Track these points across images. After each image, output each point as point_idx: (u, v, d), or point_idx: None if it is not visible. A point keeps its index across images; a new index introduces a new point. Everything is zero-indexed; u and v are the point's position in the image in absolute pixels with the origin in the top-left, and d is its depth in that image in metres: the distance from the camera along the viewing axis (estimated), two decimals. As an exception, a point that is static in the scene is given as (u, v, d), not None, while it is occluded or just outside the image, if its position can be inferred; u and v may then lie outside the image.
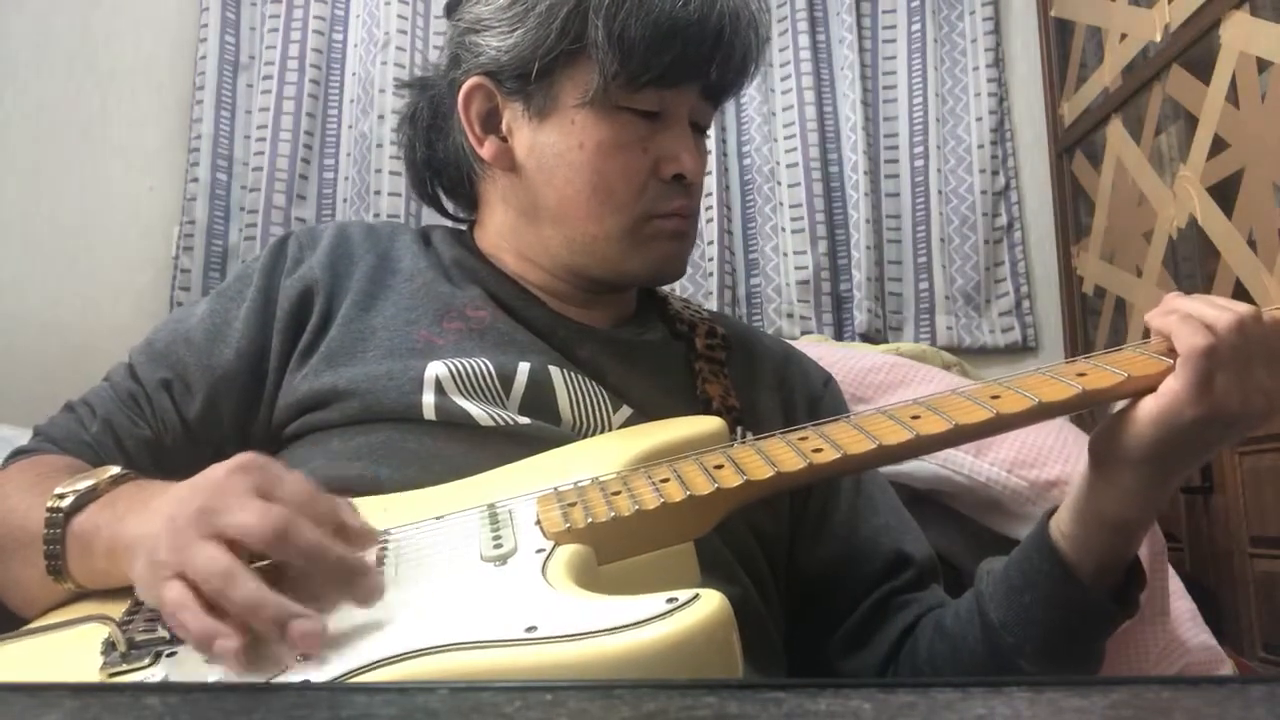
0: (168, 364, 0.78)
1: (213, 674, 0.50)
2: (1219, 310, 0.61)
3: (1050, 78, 2.61)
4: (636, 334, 0.86)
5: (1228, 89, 1.78)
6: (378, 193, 2.49)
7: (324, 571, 0.51)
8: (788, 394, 0.87)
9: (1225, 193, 1.80)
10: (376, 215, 2.48)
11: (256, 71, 2.56)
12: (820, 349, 1.19)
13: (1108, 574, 0.66)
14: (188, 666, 0.51)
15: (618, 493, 0.61)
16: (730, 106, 2.56)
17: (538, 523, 0.59)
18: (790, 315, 2.48)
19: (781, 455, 0.61)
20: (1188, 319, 0.61)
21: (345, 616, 0.51)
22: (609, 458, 0.66)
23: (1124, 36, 2.22)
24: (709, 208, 2.49)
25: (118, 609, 0.58)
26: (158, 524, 0.54)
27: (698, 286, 2.47)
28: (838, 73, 2.60)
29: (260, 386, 0.78)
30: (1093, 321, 2.43)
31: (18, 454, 0.76)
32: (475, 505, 0.63)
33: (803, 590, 0.82)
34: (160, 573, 0.51)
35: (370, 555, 0.57)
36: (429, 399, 0.73)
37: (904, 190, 2.58)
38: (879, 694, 0.30)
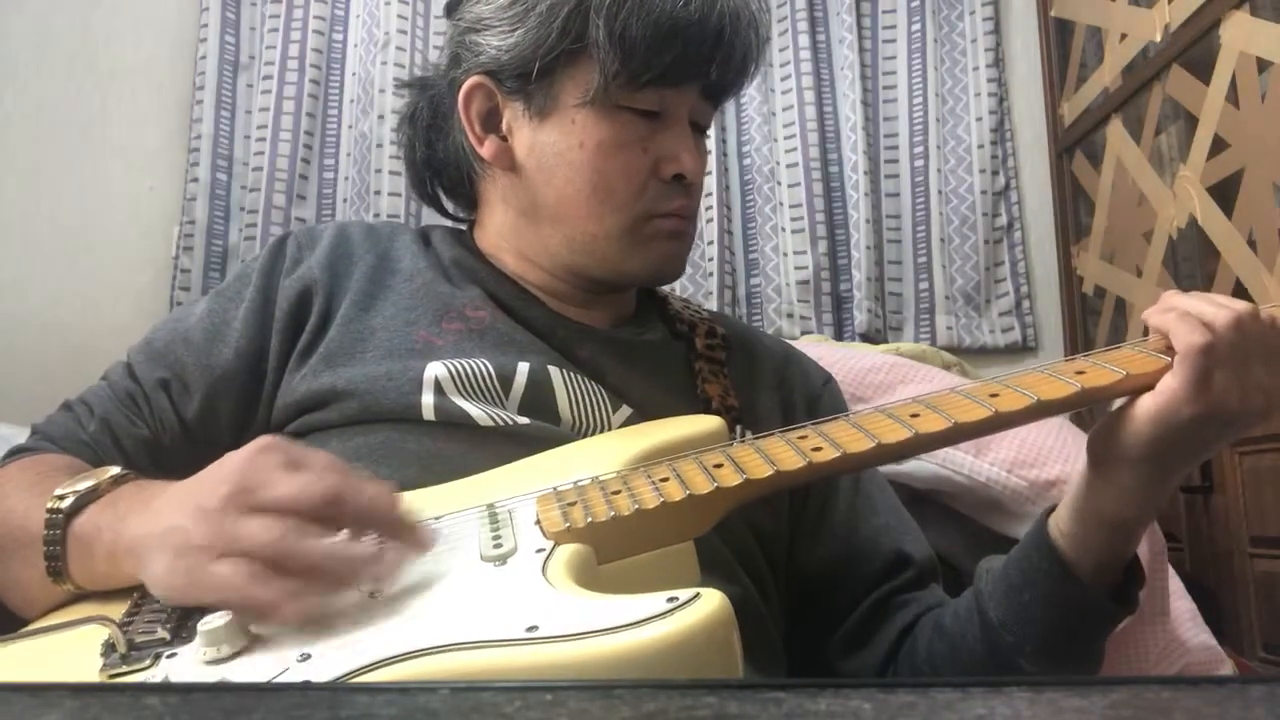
0: (166, 364, 0.78)
1: (213, 675, 0.50)
2: (1217, 308, 0.61)
3: (1050, 78, 2.61)
4: (636, 334, 0.86)
5: (1228, 89, 1.78)
6: (378, 193, 2.50)
7: (377, 526, 0.55)
8: (787, 394, 0.87)
9: (1225, 193, 1.80)
10: (376, 215, 2.48)
11: (256, 71, 2.56)
12: (820, 349, 1.19)
13: (1107, 572, 0.66)
14: (188, 668, 0.51)
15: (617, 492, 0.61)
16: (730, 106, 2.56)
17: (537, 522, 0.59)
18: (790, 315, 2.48)
19: (781, 454, 0.61)
20: (1186, 316, 0.61)
21: (345, 616, 0.51)
22: (609, 457, 0.66)
23: (1124, 36, 2.22)
24: (709, 208, 2.49)
25: (118, 610, 0.58)
26: (175, 517, 0.55)
27: (698, 286, 2.47)
28: (838, 73, 2.60)
29: (259, 386, 0.78)
30: (1093, 321, 2.43)
31: (16, 452, 0.76)
32: (475, 505, 0.63)
33: (802, 590, 0.82)
34: (200, 558, 0.52)
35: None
36: (428, 399, 0.73)
37: (904, 190, 2.58)
38: (879, 694, 0.29)
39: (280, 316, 0.79)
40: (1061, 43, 2.56)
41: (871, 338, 2.45)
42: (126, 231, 2.48)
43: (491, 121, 0.82)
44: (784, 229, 2.52)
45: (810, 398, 0.88)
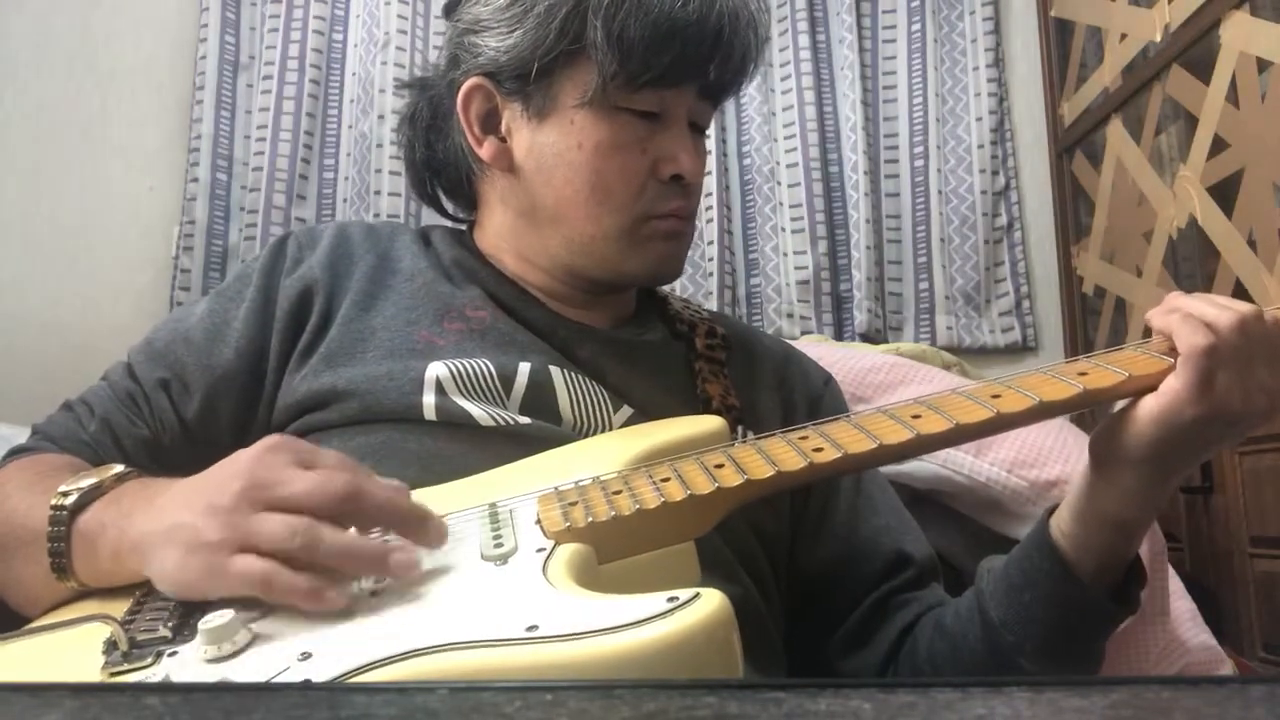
0: (166, 363, 0.78)
1: (214, 674, 0.50)
2: (1220, 310, 0.61)
3: (1050, 78, 2.61)
4: (636, 334, 0.86)
5: (1228, 89, 1.78)
6: (378, 193, 2.50)
7: (394, 523, 0.56)
8: (788, 394, 0.87)
9: (1225, 193, 1.80)
10: (376, 215, 2.48)
11: (256, 71, 2.56)
12: (820, 349, 1.19)
13: (1108, 573, 0.66)
14: (189, 666, 0.51)
15: (618, 492, 0.61)
16: (730, 106, 2.56)
17: (538, 522, 0.59)
18: (790, 315, 2.48)
19: (782, 454, 0.61)
20: (1189, 318, 0.61)
21: (344, 616, 0.52)
22: (610, 457, 0.66)
23: (1124, 36, 2.22)
24: (709, 208, 2.49)
25: (120, 608, 0.58)
26: (183, 514, 0.55)
27: (698, 286, 2.47)
28: (838, 73, 2.60)
29: (259, 387, 0.78)
30: (1093, 321, 2.43)
31: (16, 452, 0.76)
32: (476, 505, 0.63)
33: (803, 589, 0.82)
34: (217, 554, 0.53)
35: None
36: (429, 399, 0.73)
37: (904, 190, 2.58)
38: (879, 694, 0.29)
39: (281, 316, 0.79)
40: (1061, 43, 2.56)
41: (871, 338, 2.44)
42: (126, 231, 2.48)
43: (490, 122, 0.82)
44: (784, 229, 2.52)
45: (811, 398, 0.88)
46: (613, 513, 0.59)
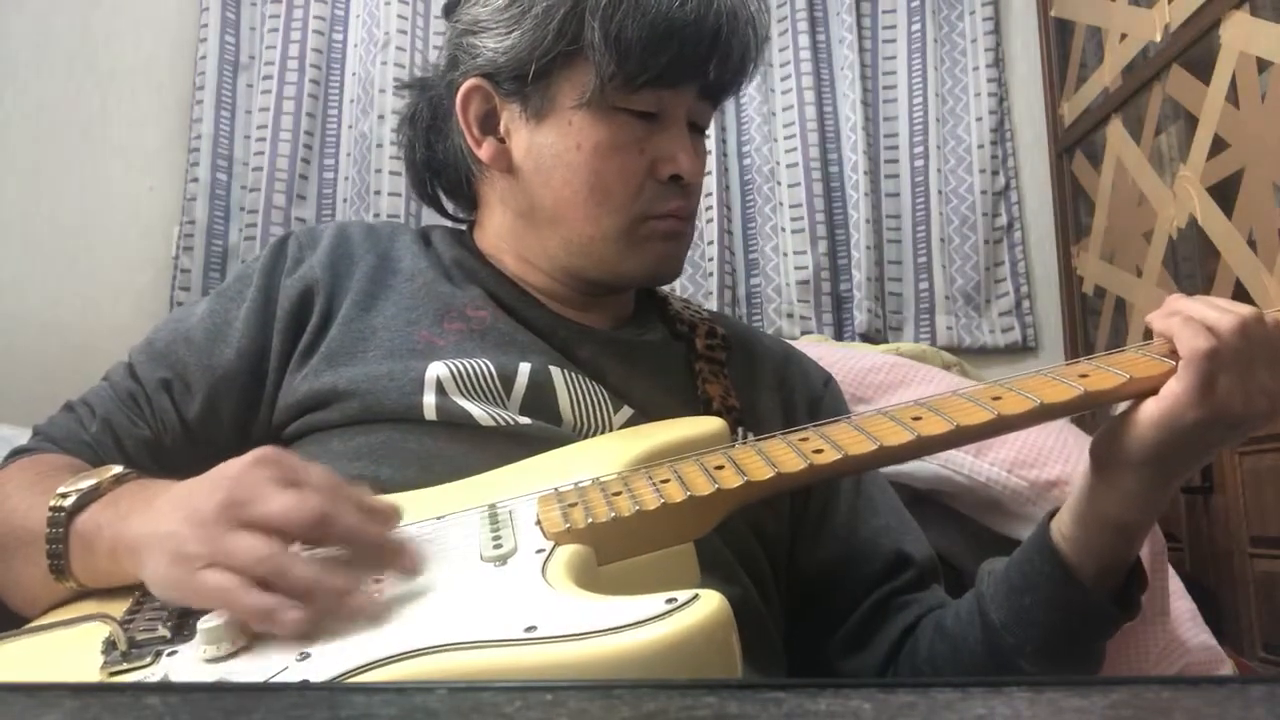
0: (167, 364, 0.78)
1: (213, 674, 0.50)
2: (1221, 312, 0.61)
3: (1050, 78, 2.61)
4: (636, 334, 0.86)
5: (1228, 89, 1.78)
6: (378, 193, 2.50)
7: (364, 551, 0.54)
8: (788, 394, 0.87)
9: (1225, 193, 1.80)
10: (376, 215, 2.48)
11: (256, 71, 2.56)
12: (820, 349, 1.19)
13: (1109, 575, 0.66)
14: (188, 666, 0.51)
15: (618, 493, 0.61)
16: (730, 106, 2.56)
17: (538, 523, 0.59)
18: (790, 315, 2.48)
19: (782, 456, 0.61)
20: (1190, 321, 0.61)
21: (344, 616, 0.52)
22: (609, 458, 0.66)
23: (1124, 36, 2.22)
24: (709, 208, 2.49)
25: (119, 608, 0.58)
26: (172, 521, 0.55)
27: (698, 286, 2.47)
28: (838, 73, 2.60)
29: (260, 386, 0.78)
30: (1093, 321, 2.43)
31: (17, 453, 0.76)
32: (476, 505, 0.63)
33: (803, 590, 0.82)
34: (193, 565, 0.53)
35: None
36: (430, 399, 0.73)
37: (904, 190, 2.58)
38: (879, 694, 0.29)
39: (282, 316, 0.79)
40: (1061, 43, 2.56)
41: (871, 338, 2.44)
42: (126, 231, 2.48)
43: (489, 123, 0.82)
44: (784, 229, 2.52)
45: (811, 398, 0.88)
46: (612, 514, 0.58)
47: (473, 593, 0.53)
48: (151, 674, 0.51)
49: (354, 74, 2.55)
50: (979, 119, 2.57)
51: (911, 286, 2.55)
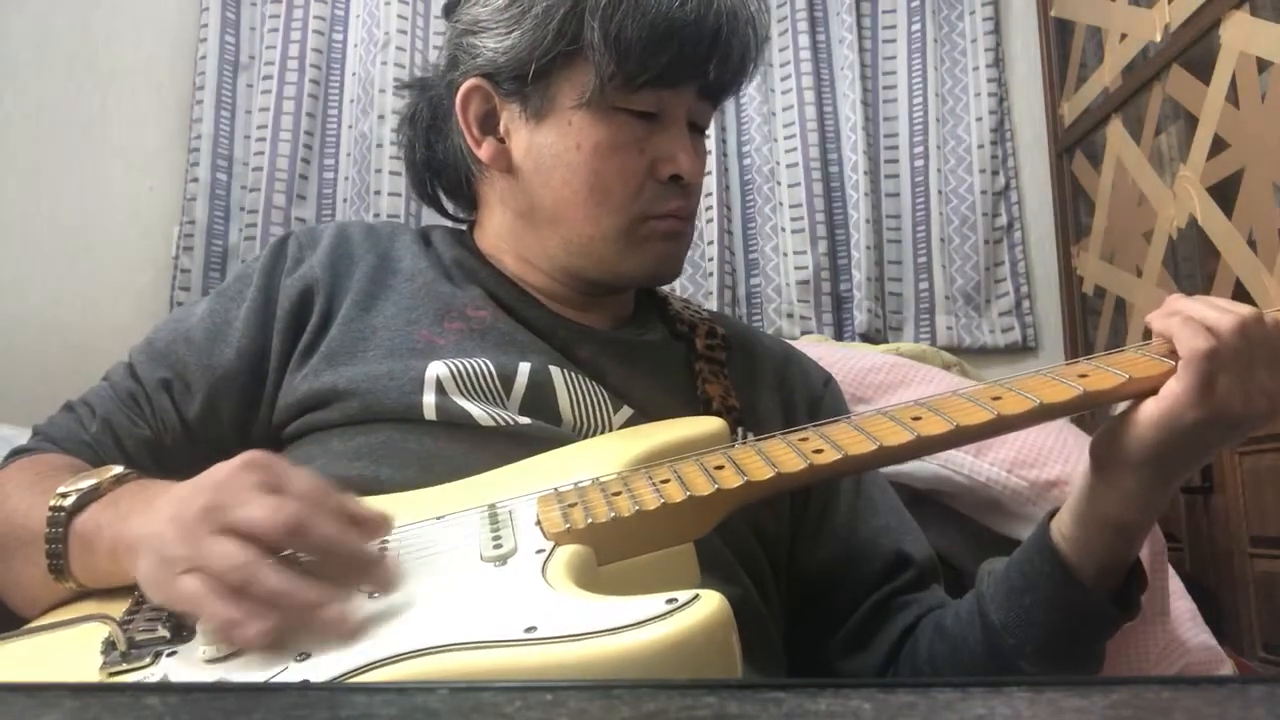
0: (167, 363, 0.78)
1: (213, 674, 0.50)
2: (1221, 313, 0.61)
3: (1050, 78, 2.61)
4: (636, 334, 0.86)
5: (1228, 89, 1.78)
6: (378, 193, 2.50)
7: (338, 563, 0.53)
8: (788, 394, 0.87)
9: (1225, 193, 1.80)
10: (376, 215, 2.48)
11: (256, 71, 2.56)
12: (820, 349, 1.19)
13: (1109, 576, 0.66)
14: (188, 666, 0.51)
15: (618, 493, 0.61)
16: (730, 106, 2.56)
17: (538, 523, 0.59)
18: (790, 315, 2.48)
19: (782, 456, 0.61)
20: (1189, 321, 0.61)
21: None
22: (609, 458, 0.66)
23: (1124, 36, 2.22)
24: (709, 208, 2.49)
25: (118, 608, 0.58)
26: (162, 523, 0.54)
27: (698, 286, 2.47)
28: (838, 73, 2.60)
29: (260, 386, 0.78)
30: (1093, 321, 2.43)
31: (17, 453, 0.76)
32: (475, 505, 0.63)
33: (803, 590, 0.82)
34: (172, 569, 0.52)
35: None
36: (429, 399, 0.73)
37: (904, 190, 2.58)
38: (879, 694, 0.29)
39: (282, 316, 0.79)
40: (1061, 43, 2.56)
41: (871, 338, 2.45)
42: (126, 231, 2.48)
43: (489, 123, 0.82)
44: (784, 229, 2.52)
45: (811, 398, 0.88)
46: (612, 514, 0.58)
47: (473, 593, 0.53)
48: (151, 675, 0.51)
49: (354, 74, 2.55)
50: (979, 119, 2.57)
51: (911, 286, 2.56)
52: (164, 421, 0.77)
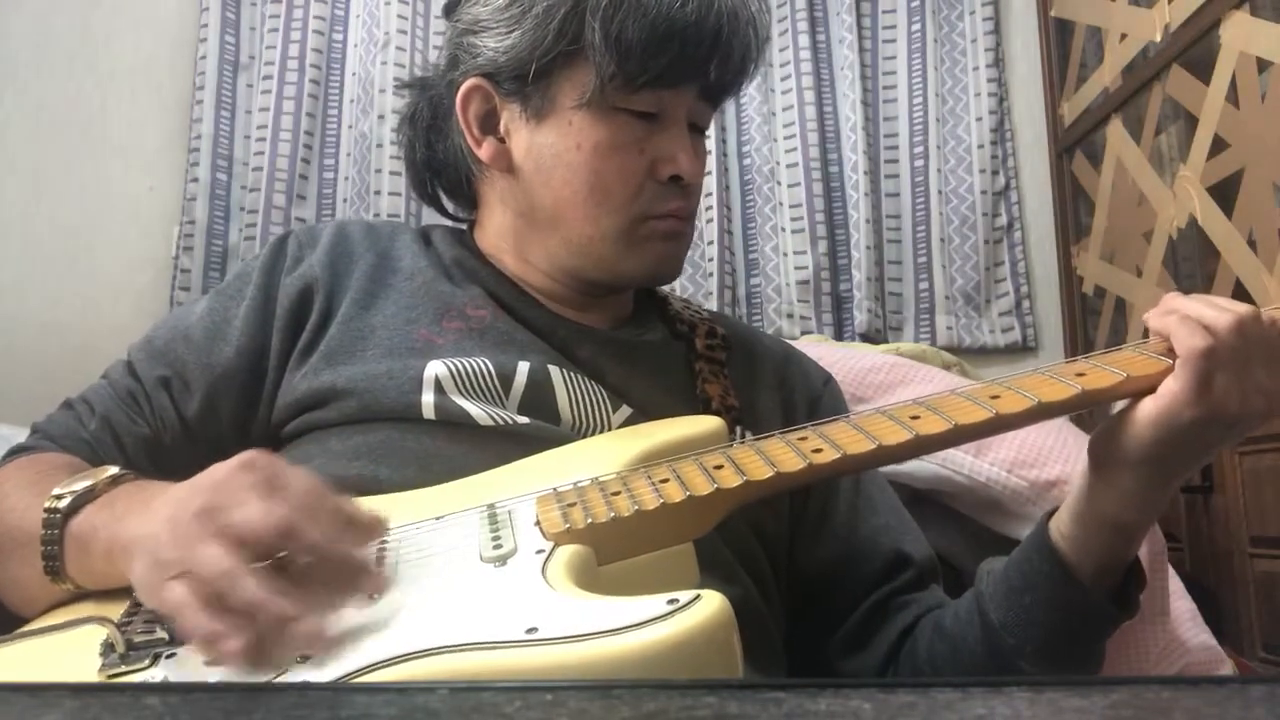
0: (167, 362, 0.78)
1: (212, 675, 0.50)
2: (1218, 311, 0.61)
3: (1050, 78, 2.61)
4: (636, 334, 0.86)
5: (1228, 89, 1.78)
6: (378, 193, 2.50)
7: (329, 568, 0.52)
8: (787, 394, 0.87)
9: (1225, 193, 1.80)
10: (376, 215, 2.48)
11: (256, 71, 2.56)
12: (820, 349, 1.19)
13: (1108, 575, 0.66)
14: (187, 668, 0.51)
15: (617, 493, 0.61)
16: (730, 106, 2.56)
17: (537, 523, 0.59)
18: (790, 315, 2.48)
19: (781, 455, 0.61)
20: (1186, 320, 0.61)
21: (345, 617, 0.51)
22: (608, 458, 0.66)
23: (1124, 36, 2.22)
24: (709, 208, 2.49)
25: (116, 610, 0.58)
26: (157, 524, 0.54)
27: (698, 286, 2.47)
28: (838, 73, 2.60)
29: (259, 385, 0.78)
30: (1093, 321, 2.43)
31: (16, 451, 0.76)
32: (475, 505, 0.63)
33: (803, 590, 0.82)
34: (163, 573, 0.51)
35: (371, 554, 0.57)
36: (428, 398, 0.73)
37: (904, 190, 2.58)
38: (879, 694, 0.29)
39: (281, 315, 0.79)
40: (1061, 43, 2.56)
41: (871, 338, 2.44)
42: (126, 231, 2.48)
43: (489, 123, 0.82)
44: (784, 229, 2.52)
45: (811, 398, 0.88)
46: (612, 514, 0.58)
47: (473, 594, 0.53)
48: (150, 676, 0.51)
49: (354, 74, 2.55)
50: (979, 119, 2.57)
51: (911, 286, 2.56)
52: (163, 420, 0.77)
